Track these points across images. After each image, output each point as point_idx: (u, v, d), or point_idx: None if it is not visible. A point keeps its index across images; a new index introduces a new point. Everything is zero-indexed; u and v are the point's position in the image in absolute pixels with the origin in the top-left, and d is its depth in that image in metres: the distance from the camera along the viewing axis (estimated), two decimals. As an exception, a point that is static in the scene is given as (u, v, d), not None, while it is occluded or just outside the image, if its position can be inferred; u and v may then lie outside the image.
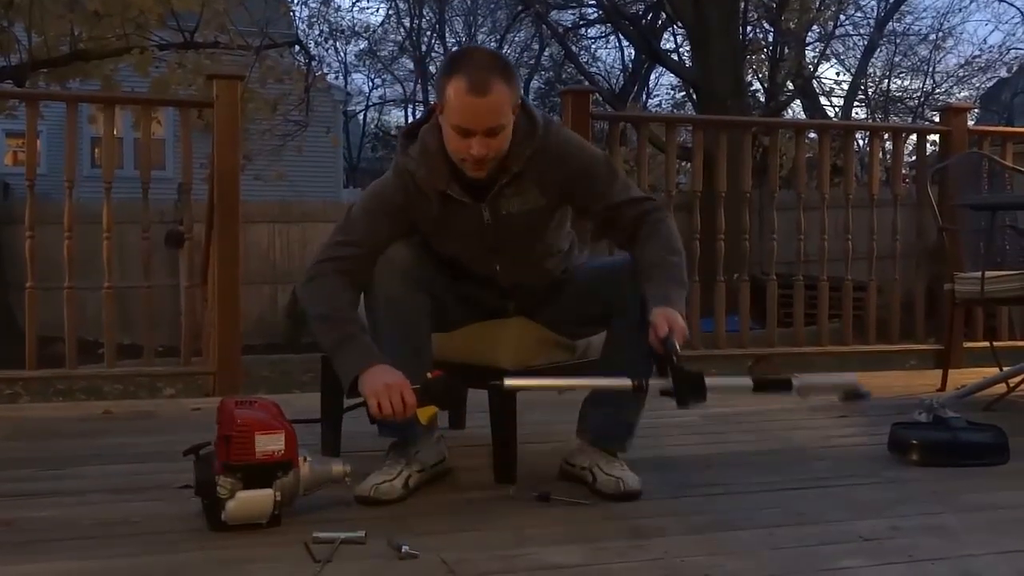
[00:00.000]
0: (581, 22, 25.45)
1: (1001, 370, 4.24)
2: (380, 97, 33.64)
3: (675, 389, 2.32)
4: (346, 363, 2.49)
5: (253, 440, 2.28)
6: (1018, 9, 26.50)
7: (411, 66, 31.20)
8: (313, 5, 24.99)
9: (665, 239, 2.62)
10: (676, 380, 2.33)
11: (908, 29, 25.65)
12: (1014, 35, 40.60)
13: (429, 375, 2.44)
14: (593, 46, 27.76)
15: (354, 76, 32.05)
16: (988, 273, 4.05)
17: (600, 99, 21.93)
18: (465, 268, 2.73)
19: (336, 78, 27.79)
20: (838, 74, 44.79)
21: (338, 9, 31.60)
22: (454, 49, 23.56)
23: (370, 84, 33.16)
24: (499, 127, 2.45)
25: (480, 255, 2.69)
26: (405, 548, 2.13)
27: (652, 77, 27.41)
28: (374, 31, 30.15)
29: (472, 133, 2.44)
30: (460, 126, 2.45)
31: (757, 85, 23.61)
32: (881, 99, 26.24)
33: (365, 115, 33.41)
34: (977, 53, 27.17)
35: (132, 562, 2.13)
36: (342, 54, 30.09)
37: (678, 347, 2.36)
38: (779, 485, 2.81)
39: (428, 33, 30.58)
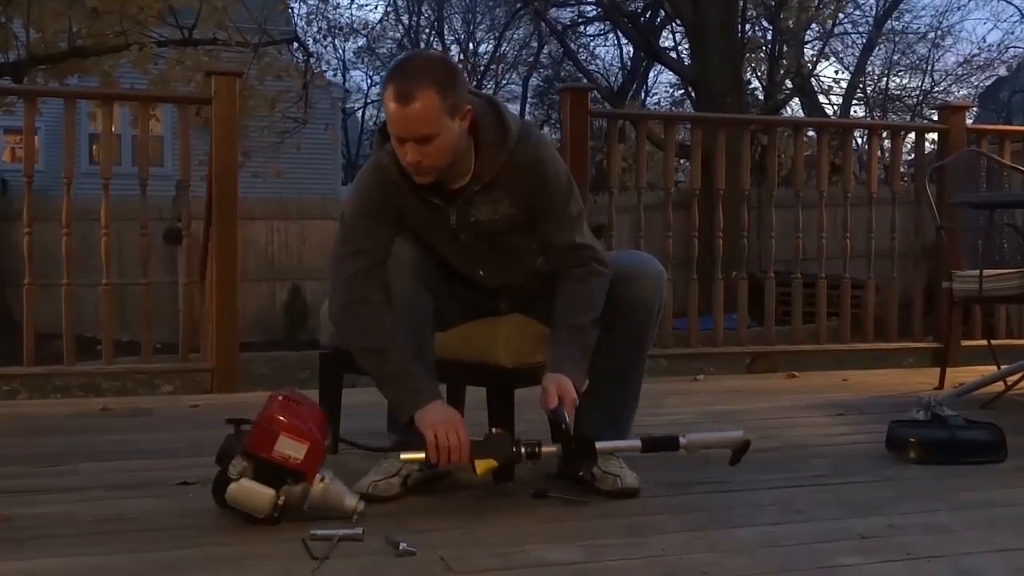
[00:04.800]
0: (580, 19, 25.48)
1: (999, 368, 4.24)
2: (379, 94, 33.57)
3: (563, 457, 2.44)
4: (403, 397, 2.50)
5: (276, 439, 2.29)
6: (1017, 7, 26.47)
7: (410, 63, 31.10)
8: (311, 2, 24.89)
9: (587, 296, 2.61)
10: (565, 448, 2.43)
11: (907, 27, 25.70)
12: (1013, 33, 40.61)
13: (493, 430, 2.48)
14: (592, 44, 27.80)
15: (353, 73, 32.01)
16: (986, 271, 4.05)
17: (599, 97, 21.96)
18: (453, 269, 2.73)
19: (335, 75, 27.76)
20: (837, 72, 44.79)
21: (337, 6, 31.50)
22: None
23: (369, 81, 33.10)
24: (430, 135, 2.41)
25: (457, 257, 2.69)
26: (403, 545, 2.13)
27: (651, 75, 27.45)
28: (373, 28, 30.13)
29: (405, 140, 2.43)
30: (393, 133, 2.45)
31: (756, 83, 23.63)
32: (880, 97, 26.26)
33: (364, 112, 33.36)
34: (976, 51, 27.21)
35: (130, 558, 2.12)
36: (341, 51, 30.05)
37: (567, 417, 2.44)
38: (777, 483, 2.81)
39: (427, 30, 30.56)
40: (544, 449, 2.43)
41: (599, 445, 2.45)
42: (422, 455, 2.43)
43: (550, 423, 2.51)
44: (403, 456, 2.47)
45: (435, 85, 2.40)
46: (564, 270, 2.64)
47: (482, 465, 2.40)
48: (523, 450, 2.42)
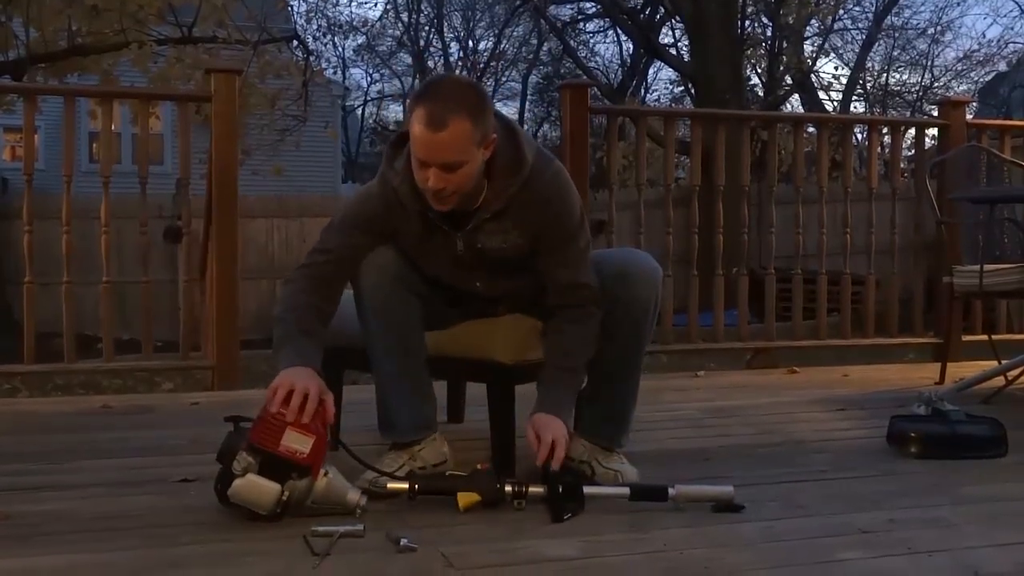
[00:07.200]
0: (579, 16, 25.47)
1: (999, 363, 4.24)
2: (378, 92, 33.63)
3: (550, 504, 2.41)
4: (279, 360, 2.47)
5: (283, 432, 2.28)
6: (1016, 3, 26.49)
7: (409, 61, 31.20)
8: (311, 0, 24.97)
9: (582, 339, 2.62)
10: (552, 494, 2.42)
11: (906, 23, 25.72)
12: (1012, 29, 40.43)
13: (479, 466, 2.47)
14: (591, 40, 27.83)
15: (352, 71, 32.05)
16: (987, 266, 4.05)
17: (599, 94, 21.95)
18: (444, 283, 2.72)
19: (334, 73, 27.78)
20: (837, 68, 44.76)
21: (336, 4, 31.48)
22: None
23: (368, 79, 33.15)
24: (456, 163, 2.38)
25: (457, 276, 2.68)
26: (404, 541, 2.13)
27: (651, 71, 27.45)
28: (372, 26, 30.14)
29: (429, 165, 2.40)
30: (417, 157, 2.41)
31: (756, 79, 23.63)
32: (879, 93, 26.26)
33: (363, 110, 33.40)
34: (975, 47, 27.20)
35: (131, 555, 2.12)
36: (340, 49, 30.08)
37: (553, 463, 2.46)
38: (778, 478, 2.81)
39: (426, 28, 30.58)
40: (531, 489, 2.42)
41: (587, 490, 2.46)
42: (406, 485, 2.44)
43: (539, 468, 2.50)
44: (390, 486, 2.46)
45: (469, 114, 2.37)
46: (560, 307, 2.63)
47: (464, 499, 2.40)
48: (507, 488, 2.41)
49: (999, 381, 4.10)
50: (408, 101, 2.66)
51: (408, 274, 2.62)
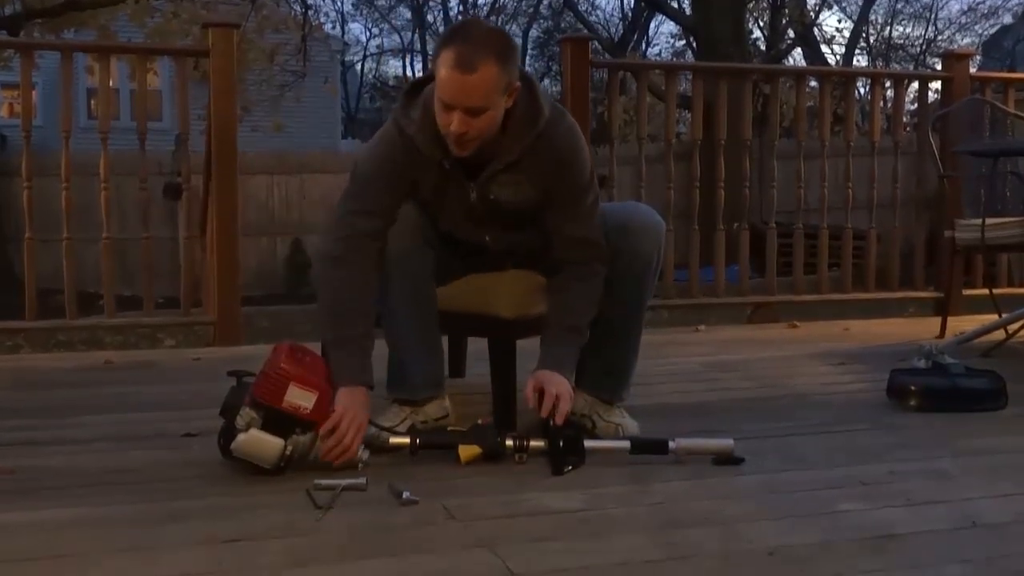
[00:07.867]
0: (580, -31, 25.24)
1: (1000, 317, 4.24)
2: (378, 47, 33.44)
3: (552, 457, 2.42)
4: (342, 366, 2.46)
5: (286, 388, 2.28)
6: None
7: (409, 15, 30.96)
8: (309, -47, 24.71)
9: (588, 298, 2.62)
10: (553, 448, 2.43)
11: (911, -25, 25.46)
12: (1018, -19, 40.06)
13: (479, 421, 2.48)
14: (592, -6, 27.53)
15: (351, 25, 31.87)
16: (988, 220, 4.04)
17: (599, 48, 21.81)
18: (456, 238, 2.71)
19: (333, 28, 27.60)
20: (840, 21, 44.45)
21: (334, -43, 31.18)
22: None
23: (367, 34, 32.99)
24: (481, 108, 2.37)
25: (468, 229, 2.67)
26: (406, 494, 2.14)
27: (651, 25, 27.25)
28: (371, -20, 29.88)
29: (454, 108, 2.38)
30: (443, 99, 2.39)
31: (758, 33, 23.46)
32: (883, 46, 26.09)
33: (363, 65, 33.21)
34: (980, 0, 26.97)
35: (134, 508, 2.14)
36: (339, 3, 29.84)
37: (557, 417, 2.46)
38: (779, 431, 2.82)
39: (426, -18, 30.30)
40: (532, 443, 2.44)
41: (587, 444, 2.47)
42: (408, 439, 2.46)
43: (540, 421, 2.51)
44: (392, 441, 2.47)
45: (497, 59, 2.35)
46: (566, 263, 2.63)
47: (466, 452, 2.41)
48: (508, 442, 2.43)
49: (999, 335, 4.10)
50: (435, 45, 2.59)
51: (426, 226, 2.62)
